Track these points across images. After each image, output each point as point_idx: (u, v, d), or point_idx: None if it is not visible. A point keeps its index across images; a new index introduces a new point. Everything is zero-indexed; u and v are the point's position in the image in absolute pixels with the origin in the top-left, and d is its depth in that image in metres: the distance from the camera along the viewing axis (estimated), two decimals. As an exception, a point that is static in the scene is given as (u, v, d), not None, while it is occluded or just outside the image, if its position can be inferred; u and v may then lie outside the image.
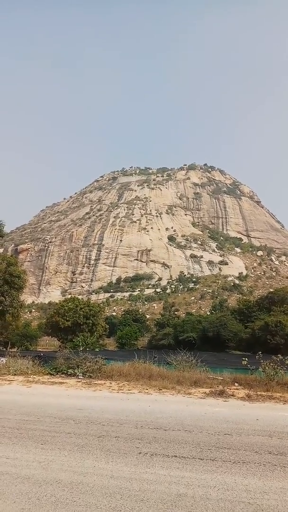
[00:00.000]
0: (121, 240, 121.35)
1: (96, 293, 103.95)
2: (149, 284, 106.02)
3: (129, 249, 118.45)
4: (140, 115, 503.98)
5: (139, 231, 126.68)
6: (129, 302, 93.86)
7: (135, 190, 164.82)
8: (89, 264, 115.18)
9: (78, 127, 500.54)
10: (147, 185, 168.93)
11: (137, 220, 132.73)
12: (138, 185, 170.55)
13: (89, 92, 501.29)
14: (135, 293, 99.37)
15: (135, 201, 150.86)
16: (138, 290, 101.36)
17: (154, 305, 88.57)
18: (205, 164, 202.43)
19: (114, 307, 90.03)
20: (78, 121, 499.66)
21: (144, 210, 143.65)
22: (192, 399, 8.21)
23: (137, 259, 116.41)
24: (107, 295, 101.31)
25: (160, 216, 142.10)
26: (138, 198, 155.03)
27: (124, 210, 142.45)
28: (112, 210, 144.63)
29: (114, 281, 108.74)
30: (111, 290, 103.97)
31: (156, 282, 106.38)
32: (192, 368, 11.75)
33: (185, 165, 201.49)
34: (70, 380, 10.62)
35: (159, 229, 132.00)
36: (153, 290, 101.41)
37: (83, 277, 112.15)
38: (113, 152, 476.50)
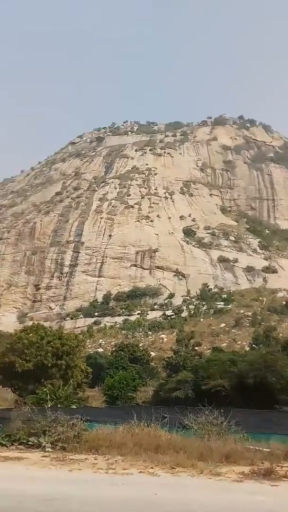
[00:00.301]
0: (110, 236, 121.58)
1: (72, 318, 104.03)
2: (155, 304, 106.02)
3: (123, 249, 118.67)
4: (141, 45, 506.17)
5: (138, 221, 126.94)
6: (123, 331, 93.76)
7: (132, 158, 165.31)
8: (61, 273, 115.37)
9: (45, 58, 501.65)
10: (150, 150, 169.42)
11: (136, 204, 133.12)
12: (136, 150, 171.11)
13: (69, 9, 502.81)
14: (132, 318, 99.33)
15: (132, 175, 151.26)
16: (138, 313, 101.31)
17: (163, 336, 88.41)
18: (241, 117, 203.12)
19: (101, 340, 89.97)
20: (45, 46, 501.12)
21: (146, 188, 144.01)
22: (222, 482, 8.22)
23: (135, 265, 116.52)
24: (90, 321, 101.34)
25: (171, 198, 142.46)
26: (136, 169, 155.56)
27: (115, 188, 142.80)
28: (96, 188, 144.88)
29: (100, 300, 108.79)
30: (96, 314, 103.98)
31: (166, 301, 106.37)
32: (222, 435, 11.75)
33: (210, 118, 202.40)
34: (33, 454, 10.63)
35: (169, 218, 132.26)
36: (161, 312, 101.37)
37: (52, 294, 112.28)
38: (98, 99, 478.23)
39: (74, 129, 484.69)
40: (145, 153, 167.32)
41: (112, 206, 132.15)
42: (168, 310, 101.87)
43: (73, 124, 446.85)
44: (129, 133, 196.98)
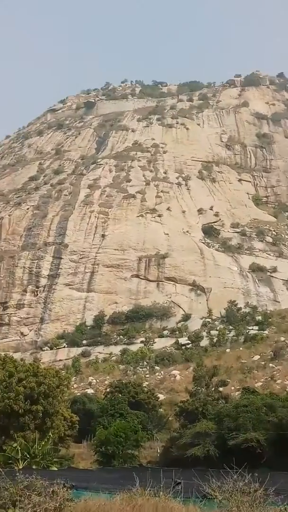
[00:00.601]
0: (103, 236, 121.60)
1: (52, 348, 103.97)
2: (164, 329, 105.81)
3: (121, 254, 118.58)
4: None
5: (141, 215, 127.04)
6: (121, 366, 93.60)
7: (134, 130, 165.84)
8: (37, 287, 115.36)
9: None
10: (158, 119, 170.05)
11: (138, 192, 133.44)
12: (139, 120, 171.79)
13: None
14: (133, 348, 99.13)
15: (133, 153, 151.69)
16: (141, 341, 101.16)
17: (175, 372, 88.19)
18: (280, 75, 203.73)
19: (91, 378, 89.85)
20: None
21: (152, 171, 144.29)
22: None
23: (137, 276, 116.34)
24: (76, 351, 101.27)
25: (186, 185, 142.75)
26: (139, 146, 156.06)
27: (111, 171, 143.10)
28: (84, 172, 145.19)
29: (89, 323, 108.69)
30: (84, 342, 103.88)
31: (179, 324, 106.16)
32: (257, 507, 11.65)
33: (239, 76, 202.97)
34: (-1, 532, 10.52)
35: (183, 212, 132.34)
36: (173, 340, 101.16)
37: (25, 314, 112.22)
38: (88, 51, 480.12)
39: (55, 92, 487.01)
40: (151, 123, 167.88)
41: (106, 196, 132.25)
42: (182, 337, 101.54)
43: (53, 85, 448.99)
44: (129, 96, 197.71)
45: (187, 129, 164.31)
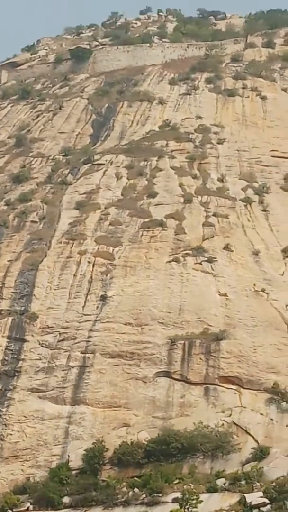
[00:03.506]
0: (104, 298, 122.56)
1: (5, 511, 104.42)
2: (219, 475, 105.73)
3: (138, 332, 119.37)
4: None
5: (176, 260, 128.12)
6: None
7: (163, 101, 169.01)
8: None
9: None
10: (208, 81, 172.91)
11: (170, 217, 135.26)
12: (172, 82, 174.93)
13: None
14: (160, 511, 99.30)
15: (160, 144, 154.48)
16: (174, 500, 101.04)
17: None
18: None
19: None
20: None
21: (197, 177, 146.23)
22: None
23: (168, 373, 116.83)
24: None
25: (261, 202, 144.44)
26: (172, 129, 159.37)
27: (120, 178, 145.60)
28: (70, 178, 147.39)
29: (76, 463, 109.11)
30: (65, 501, 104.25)
31: (248, 467, 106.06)
32: None
33: None
34: None
35: (256, 254, 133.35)
36: (236, 497, 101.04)
37: None
38: None
39: (16, 31, 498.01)
40: (195, 88, 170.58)
41: (111, 224, 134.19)
42: (252, 490, 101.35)
43: (15, 21, 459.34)
44: (155, 39, 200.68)
45: (263, 98, 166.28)
